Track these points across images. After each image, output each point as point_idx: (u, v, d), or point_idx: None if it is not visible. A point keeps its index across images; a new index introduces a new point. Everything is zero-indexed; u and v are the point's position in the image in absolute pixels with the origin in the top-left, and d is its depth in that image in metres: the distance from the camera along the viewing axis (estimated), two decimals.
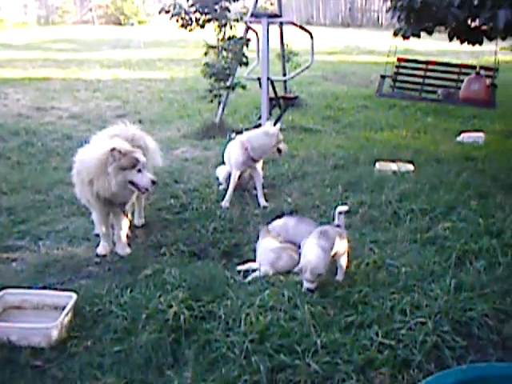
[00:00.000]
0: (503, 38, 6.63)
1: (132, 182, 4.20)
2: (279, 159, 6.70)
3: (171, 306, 3.47)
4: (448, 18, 6.00)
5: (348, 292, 3.73)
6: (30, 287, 3.87)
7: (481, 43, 6.90)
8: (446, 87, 9.29)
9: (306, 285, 3.71)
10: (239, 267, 4.22)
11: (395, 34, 7.04)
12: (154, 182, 4.28)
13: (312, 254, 3.75)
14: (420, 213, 5.08)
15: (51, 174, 6.40)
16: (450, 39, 6.81)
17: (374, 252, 4.35)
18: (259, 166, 5.67)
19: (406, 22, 6.70)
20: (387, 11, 7.14)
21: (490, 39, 6.89)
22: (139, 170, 4.18)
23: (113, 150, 4.07)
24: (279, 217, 4.91)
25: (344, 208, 4.18)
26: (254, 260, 4.29)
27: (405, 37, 6.86)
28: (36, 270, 4.25)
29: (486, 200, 5.36)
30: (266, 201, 5.55)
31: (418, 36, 6.77)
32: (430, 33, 6.78)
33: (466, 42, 6.94)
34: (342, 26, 30.50)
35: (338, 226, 4.07)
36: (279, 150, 5.60)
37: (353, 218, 5.07)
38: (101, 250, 4.56)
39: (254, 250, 4.39)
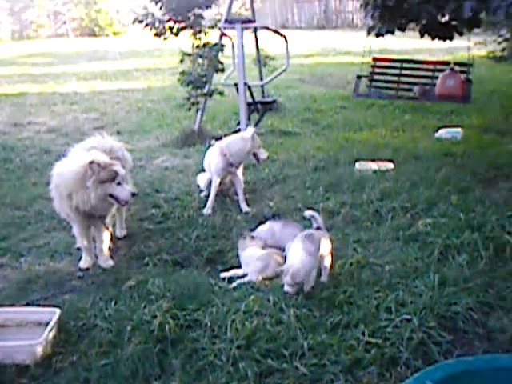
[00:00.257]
0: (470, 30, 6.70)
1: (112, 195, 4.17)
2: (259, 164, 6.71)
3: (156, 317, 3.45)
4: (421, 14, 6.06)
5: (333, 293, 3.74)
6: (12, 305, 3.83)
7: (451, 38, 6.97)
8: (421, 84, 9.36)
9: (286, 288, 3.70)
10: (223, 274, 4.21)
11: (369, 33, 7.08)
12: (133, 195, 4.26)
13: (296, 258, 3.74)
14: (401, 210, 5.11)
15: (30, 190, 6.34)
16: (422, 36, 6.87)
17: (357, 251, 4.37)
18: (240, 171, 5.66)
19: (380, 20, 6.75)
20: (360, 6, 7.18)
21: (460, 34, 6.96)
22: (119, 183, 4.15)
23: (91, 162, 4.04)
24: (263, 222, 4.90)
25: (308, 213, 4.17)
26: (239, 267, 4.27)
27: (378, 34, 6.90)
28: (18, 286, 4.19)
29: (465, 195, 5.40)
30: (248, 206, 5.55)
31: (392, 33, 6.82)
32: (402, 30, 6.84)
33: (437, 38, 7.00)
34: (318, 29, 30.68)
35: (318, 228, 4.07)
36: (255, 156, 5.56)
37: (335, 219, 5.10)
38: (83, 263, 4.51)
39: (238, 256, 4.37)
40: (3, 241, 5.04)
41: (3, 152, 7.99)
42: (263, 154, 5.58)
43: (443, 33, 6.86)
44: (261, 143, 5.57)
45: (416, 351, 3.11)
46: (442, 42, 7.10)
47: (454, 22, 6.70)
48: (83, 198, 4.07)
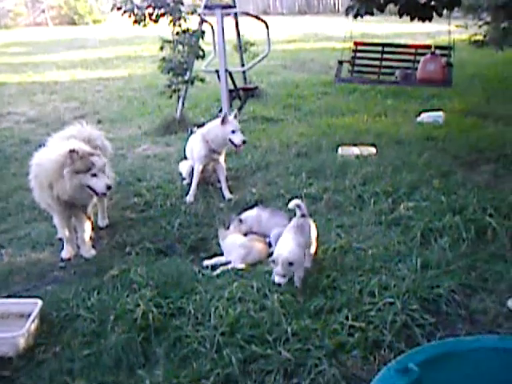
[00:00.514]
0: (450, 10, 6.67)
1: (89, 187, 4.12)
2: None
3: (139, 305, 3.43)
4: None
5: (316, 278, 3.74)
6: None
7: (430, 19, 6.94)
8: (403, 68, 9.35)
9: (276, 278, 3.60)
10: (206, 262, 4.19)
11: (347, 13, 7.05)
12: (109, 187, 4.18)
13: (286, 248, 3.66)
14: (384, 195, 5.12)
15: (10, 181, 6.27)
16: (400, 16, 6.84)
17: (340, 237, 4.37)
18: (222, 158, 5.63)
19: (359, 0, 6.72)
20: None
21: (440, 15, 6.95)
22: (94, 174, 4.08)
23: (72, 151, 3.98)
24: (248, 208, 4.87)
25: (292, 203, 4.06)
26: (222, 254, 4.26)
27: (357, 15, 6.87)
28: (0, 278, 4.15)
29: (447, 178, 5.43)
30: (231, 193, 5.53)
31: (371, 14, 6.78)
32: (381, 10, 6.81)
33: (417, 19, 6.97)
34: (300, 14, 30.55)
35: (303, 215, 4.03)
36: (231, 141, 5.43)
37: (318, 205, 5.10)
38: (65, 253, 4.48)
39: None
40: None
41: None
42: (237, 139, 5.40)
43: (422, 13, 6.83)
44: (237, 127, 5.45)
45: (399, 334, 3.12)
46: (421, 22, 7.07)
47: (432, 3, 6.68)
48: (62, 187, 4.03)
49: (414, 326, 3.19)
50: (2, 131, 8.75)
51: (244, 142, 5.46)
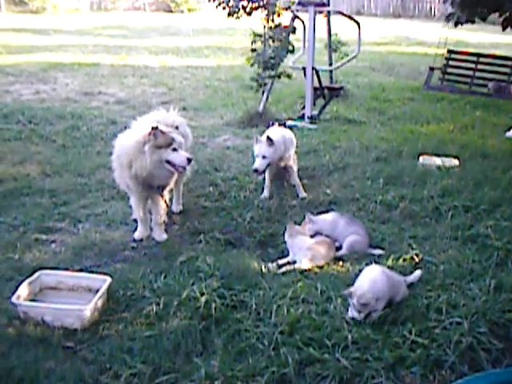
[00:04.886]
0: None
1: (168, 162, 4.20)
2: (321, 150, 6.65)
3: (203, 294, 3.47)
4: (505, 3, 5.77)
5: None
6: (66, 269, 3.93)
7: None
8: (497, 81, 9.01)
9: (351, 312, 3.35)
10: (270, 265, 4.07)
11: (447, 20, 6.83)
12: (189, 160, 4.25)
13: (367, 281, 3.42)
14: (462, 209, 4.93)
15: (94, 159, 6.49)
16: (504, 28, 6.55)
17: (412, 248, 4.25)
18: (290, 161, 5.51)
19: (460, 7, 6.48)
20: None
21: None
22: (174, 149, 4.18)
23: (154, 128, 4.08)
24: (323, 211, 4.78)
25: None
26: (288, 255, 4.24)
27: (457, 23, 6.63)
28: (74, 252, 4.32)
29: None
30: (305, 191, 5.49)
31: (473, 22, 6.53)
32: (483, 19, 6.54)
33: None
34: (393, 17, 30.02)
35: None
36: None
37: (392, 213, 4.99)
38: (138, 234, 4.60)
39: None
40: (63, 206, 5.20)
41: (72, 120, 8.20)
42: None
43: None
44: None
45: (463, 356, 3.00)
46: None
47: None
48: (141, 164, 4.13)
49: (480, 349, 3.05)
50: (92, 110, 9.05)
51: None
